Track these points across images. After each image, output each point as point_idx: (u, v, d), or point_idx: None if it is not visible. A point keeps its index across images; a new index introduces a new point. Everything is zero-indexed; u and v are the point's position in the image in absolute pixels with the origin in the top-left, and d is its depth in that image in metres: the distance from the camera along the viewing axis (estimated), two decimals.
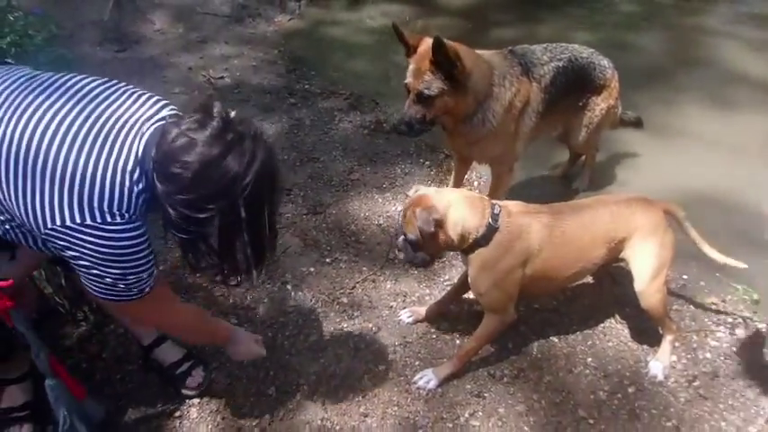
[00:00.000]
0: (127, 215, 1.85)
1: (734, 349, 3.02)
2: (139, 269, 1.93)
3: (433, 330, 3.08)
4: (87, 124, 1.82)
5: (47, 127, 1.80)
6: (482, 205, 2.58)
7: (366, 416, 2.68)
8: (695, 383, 2.85)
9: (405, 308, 3.17)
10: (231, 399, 2.74)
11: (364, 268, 3.44)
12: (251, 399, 2.74)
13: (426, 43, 2.95)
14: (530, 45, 3.39)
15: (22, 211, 1.80)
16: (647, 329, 3.05)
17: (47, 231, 1.80)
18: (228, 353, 2.61)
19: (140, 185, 1.85)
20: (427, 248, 2.60)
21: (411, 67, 3.03)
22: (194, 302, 3.16)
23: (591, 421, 2.69)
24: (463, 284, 3.00)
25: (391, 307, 3.21)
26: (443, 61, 2.89)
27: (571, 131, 3.73)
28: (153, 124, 1.89)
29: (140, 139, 1.86)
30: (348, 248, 3.57)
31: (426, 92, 2.98)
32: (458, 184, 3.77)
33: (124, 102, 1.92)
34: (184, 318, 2.40)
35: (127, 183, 1.83)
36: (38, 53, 5.27)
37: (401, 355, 2.96)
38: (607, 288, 3.28)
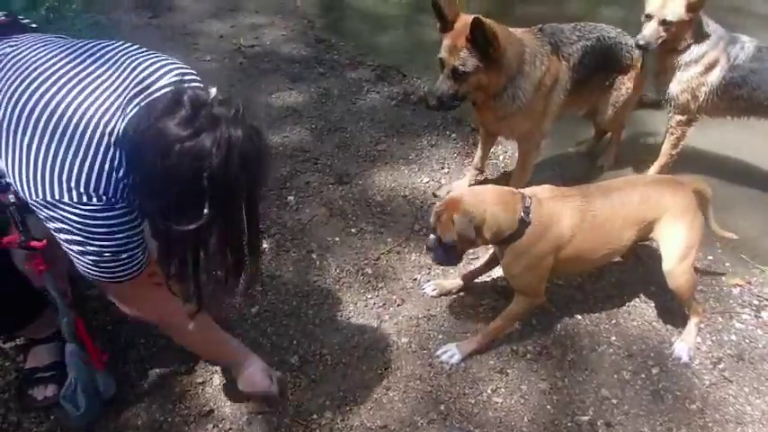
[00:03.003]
0: (105, 198, 1.73)
1: (759, 332, 2.86)
2: (119, 252, 1.81)
3: (457, 304, 2.94)
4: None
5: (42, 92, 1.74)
6: (514, 201, 2.46)
7: (388, 389, 2.56)
8: (720, 366, 2.70)
9: (429, 281, 3.04)
10: None
11: (389, 239, 3.30)
12: (273, 367, 2.59)
13: (463, 20, 2.83)
14: (559, 24, 3.26)
15: (16, 179, 1.73)
16: (671, 309, 2.89)
17: (32, 202, 1.73)
18: (234, 377, 2.40)
19: (121, 171, 1.73)
20: (461, 250, 2.51)
21: (446, 42, 2.89)
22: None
23: (614, 401, 2.55)
24: (490, 263, 2.90)
25: (415, 279, 3.08)
26: (481, 40, 2.77)
27: (598, 110, 3.62)
28: (139, 103, 1.72)
29: (123, 120, 1.72)
30: (373, 219, 3.44)
31: (461, 68, 2.85)
32: (483, 158, 3.62)
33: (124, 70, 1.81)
34: (183, 318, 2.04)
35: (107, 165, 1.71)
36: (75, 19, 5.18)
37: (424, 329, 2.83)
38: (632, 266, 3.13)
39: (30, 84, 1.75)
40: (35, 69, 1.78)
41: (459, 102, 3.03)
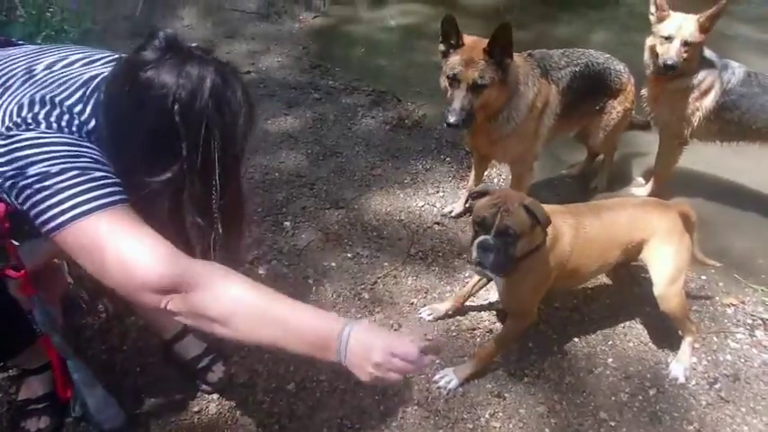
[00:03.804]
0: (55, 125, 1.58)
1: (754, 351, 2.84)
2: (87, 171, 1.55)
3: (453, 328, 2.92)
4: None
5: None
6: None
7: (386, 415, 2.52)
8: (716, 386, 2.68)
9: (426, 304, 3.01)
10: (251, 394, 2.59)
11: (386, 263, 3.28)
12: (270, 395, 2.59)
13: (471, 39, 2.89)
14: (547, 50, 3.31)
15: None
16: (667, 330, 2.87)
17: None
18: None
19: (83, 114, 1.64)
20: (522, 249, 2.33)
21: (458, 58, 2.88)
22: None
23: (612, 424, 2.52)
24: (480, 282, 2.90)
25: (412, 303, 3.05)
26: (500, 49, 2.82)
27: (590, 133, 3.65)
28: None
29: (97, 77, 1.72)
30: (370, 243, 3.42)
31: (480, 80, 2.86)
32: (478, 181, 3.62)
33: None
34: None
35: (66, 115, 1.62)
36: None
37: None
38: (627, 288, 3.11)
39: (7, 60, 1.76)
40: (16, 55, 1.80)
41: (473, 117, 2.97)
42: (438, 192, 3.84)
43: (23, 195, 1.53)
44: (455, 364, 2.71)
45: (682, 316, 2.69)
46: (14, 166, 1.52)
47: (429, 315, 2.95)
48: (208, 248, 1.72)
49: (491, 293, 3.03)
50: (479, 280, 2.88)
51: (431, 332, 2.89)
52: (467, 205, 3.56)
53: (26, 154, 1.52)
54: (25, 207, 1.54)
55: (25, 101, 1.62)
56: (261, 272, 3.18)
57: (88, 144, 1.61)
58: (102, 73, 1.74)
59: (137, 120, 1.57)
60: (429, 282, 3.18)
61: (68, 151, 1.55)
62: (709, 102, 3.29)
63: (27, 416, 2.39)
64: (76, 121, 1.63)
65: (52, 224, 1.51)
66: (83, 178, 1.52)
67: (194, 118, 1.55)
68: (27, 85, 1.70)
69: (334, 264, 3.27)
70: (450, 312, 2.96)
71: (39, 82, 1.71)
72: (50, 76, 1.74)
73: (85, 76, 1.74)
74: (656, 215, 2.67)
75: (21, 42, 2.12)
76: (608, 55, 3.48)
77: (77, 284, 2.83)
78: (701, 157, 3.72)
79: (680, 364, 2.72)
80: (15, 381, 2.52)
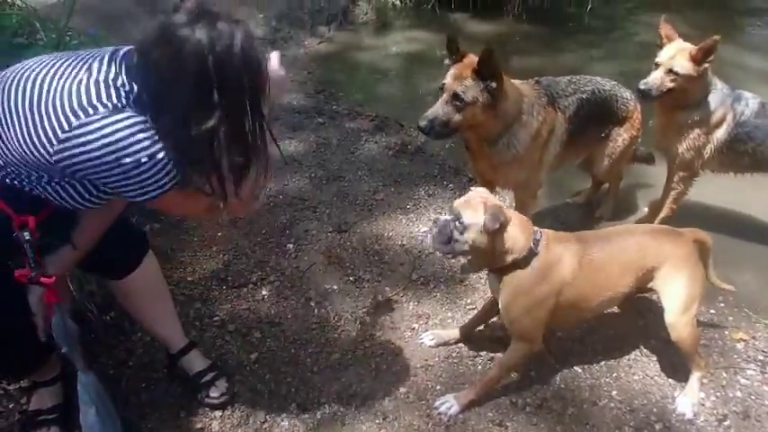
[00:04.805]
0: (110, 103, 1.69)
1: (765, 388, 2.75)
2: (142, 159, 1.69)
3: (455, 354, 2.85)
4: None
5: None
6: (530, 228, 2.41)
7: None
8: (726, 423, 2.59)
9: (426, 330, 2.95)
10: (253, 413, 2.56)
11: (387, 288, 3.22)
12: (272, 414, 2.55)
13: (471, 57, 2.86)
14: (554, 77, 3.28)
15: (26, 150, 1.71)
16: (673, 363, 2.79)
17: (55, 158, 1.69)
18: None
19: (119, 80, 1.74)
20: (472, 246, 2.33)
21: (452, 71, 2.88)
22: (216, 316, 2.99)
23: None
24: (488, 312, 2.82)
25: (413, 328, 2.99)
26: (487, 72, 2.78)
27: (595, 161, 3.59)
28: None
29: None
30: (371, 268, 3.36)
31: (462, 95, 2.82)
32: None
33: None
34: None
35: (101, 78, 1.74)
36: None
37: (422, 379, 2.73)
38: (632, 319, 3.04)
39: (19, 76, 1.78)
40: (27, 69, 1.81)
41: (449, 133, 2.97)
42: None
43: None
44: (456, 390, 2.65)
45: (692, 347, 2.61)
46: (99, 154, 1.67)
47: (431, 340, 2.89)
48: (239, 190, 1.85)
49: (493, 320, 2.96)
50: (487, 309, 2.82)
51: (432, 358, 2.83)
52: None
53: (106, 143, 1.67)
54: (113, 187, 1.76)
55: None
56: (264, 292, 3.15)
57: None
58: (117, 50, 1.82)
59: (176, 77, 1.65)
60: (430, 308, 3.12)
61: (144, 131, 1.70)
62: (721, 134, 3.24)
63: (37, 426, 2.41)
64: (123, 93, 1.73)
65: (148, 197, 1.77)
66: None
67: (229, 70, 1.66)
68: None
69: (336, 287, 3.22)
70: (452, 341, 2.90)
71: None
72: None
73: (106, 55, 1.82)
74: (668, 242, 2.60)
75: None
76: (614, 82, 3.45)
77: (87, 299, 2.82)
78: (707, 188, 3.66)
79: (688, 399, 2.64)
80: (26, 392, 2.52)
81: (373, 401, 2.62)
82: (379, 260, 3.43)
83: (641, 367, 2.83)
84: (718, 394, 2.72)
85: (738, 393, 2.73)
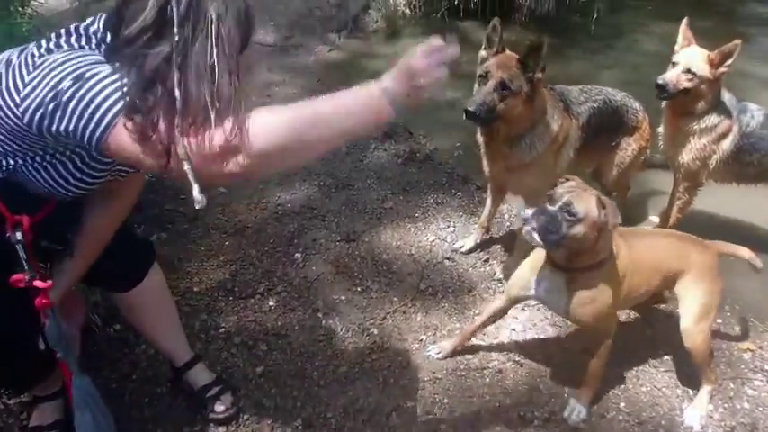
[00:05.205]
0: (77, 44, 1.64)
1: None
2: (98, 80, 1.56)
3: (462, 367, 2.83)
4: None
5: None
6: None
7: None
8: None
9: (434, 341, 2.94)
10: (258, 429, 2.54)
11: (395, 299, 3.21)
12: (277, 430, 2.53)
13: (510, 52, 2.91)
14: (566, 86, 3.28)
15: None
16: (682, 375, 2.78)
17: (21, 109, 1.58)
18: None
19: (92, 28, 1.69)
20: (579, 240, 2.22)
21: (494, 60, 2.87)
22: (222, 328, 2.98)
23: None
24: (495, 315, 2.79)
25: (421, 340, 2.97)
26: (534, 63, 2.81)
27: (603, 170, 3.58)
28: None
29: None
30: (379, 278, 3.35)
31: (509, 83, 2.80)
32: (491, 216, 3.55)
33: None
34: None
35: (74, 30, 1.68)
36: None
37: (430, 392, 2.72)
38: (639, 330, 3.02)
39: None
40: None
41: (490, 122, 2.91)
42: (449, 227, 3.77)
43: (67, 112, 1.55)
44: (464, 403, 2.63)
45: (704, 357, 2.60)
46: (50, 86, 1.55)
47: (437, 353, 2.87)
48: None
49: (500, 331, 2.95)
50: (491, 315, 2.79)
51: (439, 371, 2.81)
52: (477, 241, 3.53)
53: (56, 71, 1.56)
54: (71, 128, 1.56)
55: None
56: (270, 303, 3.14)
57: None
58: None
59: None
60: (439, 318, 3.10)
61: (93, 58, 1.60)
62: (727, 145, 3.22)
63: None
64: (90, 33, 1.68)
65: (99, 130, 1.55)
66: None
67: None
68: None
69: (343, 297, 3.21)
70: (457, 349, 2.88)
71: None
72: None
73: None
74: (695, 250, 2.62)
75: None
76: (624, 93, 3.44)
77: (91, 310, 2.80)
78: (711, 197, 3.63)
79: (696, 412, 2.62)
80: (27, 406, 2.50)
81: (380, 416, 2.60)
82: (388, 270, 3.41)
83: (649, 378, 2.81)
84: (726, 405, 2.70)
85: (746, 404, 2.71)
